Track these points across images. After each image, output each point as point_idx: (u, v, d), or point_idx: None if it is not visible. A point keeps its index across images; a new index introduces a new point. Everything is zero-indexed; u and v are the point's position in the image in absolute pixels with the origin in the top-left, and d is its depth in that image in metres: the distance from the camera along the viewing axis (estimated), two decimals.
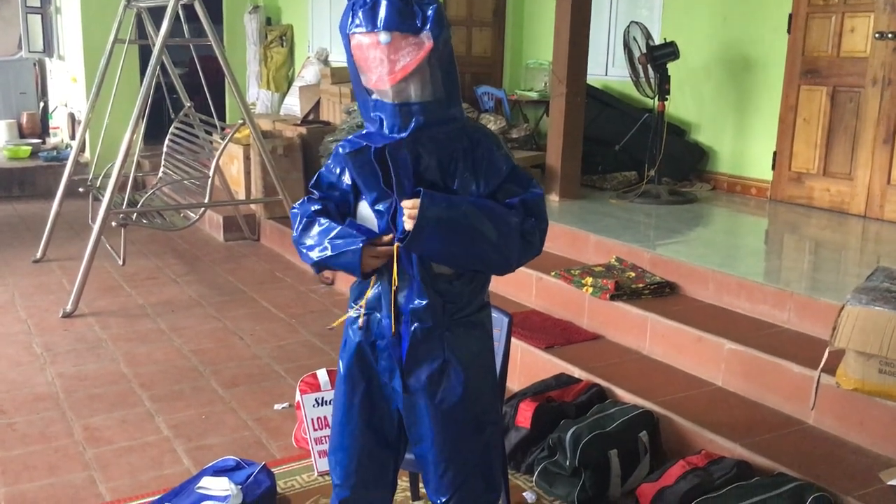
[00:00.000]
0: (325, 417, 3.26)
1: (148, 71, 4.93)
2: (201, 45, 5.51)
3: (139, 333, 4.61)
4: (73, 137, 8.78)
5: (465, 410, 2.03)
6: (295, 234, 2.07)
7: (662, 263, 4.15)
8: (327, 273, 5.52)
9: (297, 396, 3.32)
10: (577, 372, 3.55)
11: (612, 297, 3.90)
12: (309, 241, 2.02)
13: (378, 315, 2.05)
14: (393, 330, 2.00)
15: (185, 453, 3.31)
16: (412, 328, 2.01)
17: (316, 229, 2.01)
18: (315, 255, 2.00)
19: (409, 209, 1.87)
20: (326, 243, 1.98)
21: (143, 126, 7.78)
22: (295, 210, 2.09)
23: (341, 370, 2.14)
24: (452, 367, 2.03)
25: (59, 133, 9.66)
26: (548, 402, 3.23)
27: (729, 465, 2.76)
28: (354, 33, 1.85)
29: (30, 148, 9.05)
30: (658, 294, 3.98)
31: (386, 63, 1.82)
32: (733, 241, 4.66)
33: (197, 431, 3.49)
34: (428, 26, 1.82)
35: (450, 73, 1.91)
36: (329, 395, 3.28)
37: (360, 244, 1.92)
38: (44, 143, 9.63)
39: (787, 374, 3.18)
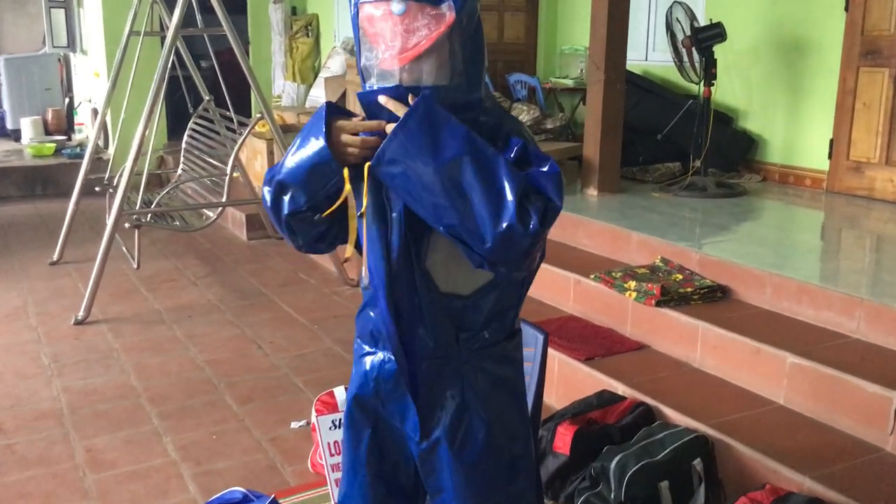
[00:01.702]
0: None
1: (160, 63, 4.66)
2: (223, 37, 5.23)
3: (153, 342, 4.37)
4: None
5: (490, 459, 1.71)
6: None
7: (712, 265, 3.79)
8: (351, 274, 5.23)
9: (313, 417, 3.04)
10: (620, 388, 3.21)
11: (658, 304, 3.55)
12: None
13: (380, 351, 1.74)
14: (398, 365, 1.69)
15: (192, 479, 3.04)
16: (423, 365, 1.69)
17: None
18: (279, 177, 1.62)
19: (392, 103, 1.52)
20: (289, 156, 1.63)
21: (161, 121, 7.59)
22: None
23: (344, 412, 1.84)
24: (473, 412, 1.71)
25: (84, 129, 9.49)
26: (589, 426, 2.91)
27: (800, 503, 2.42)
28: (364, 2, 1.54)
29: (54, 145, 8.89)
30: (708, 299, 3.62)
31: (398, 38, 1.51)
32: (790, 239, 4.27)
33: (206, 454, 3.22)
34: None
35: (474, 53, 1.59)
36: None
37: (324, 109, 1.57)
38: (69, 139, 9.48)
39: (860, 394, 2.81)
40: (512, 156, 1.59)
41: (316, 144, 1.55)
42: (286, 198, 1.63)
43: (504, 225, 1.49)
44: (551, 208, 1.54)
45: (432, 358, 1.68)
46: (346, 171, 1.57)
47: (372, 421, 1.77)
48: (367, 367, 1.75)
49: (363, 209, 1.60)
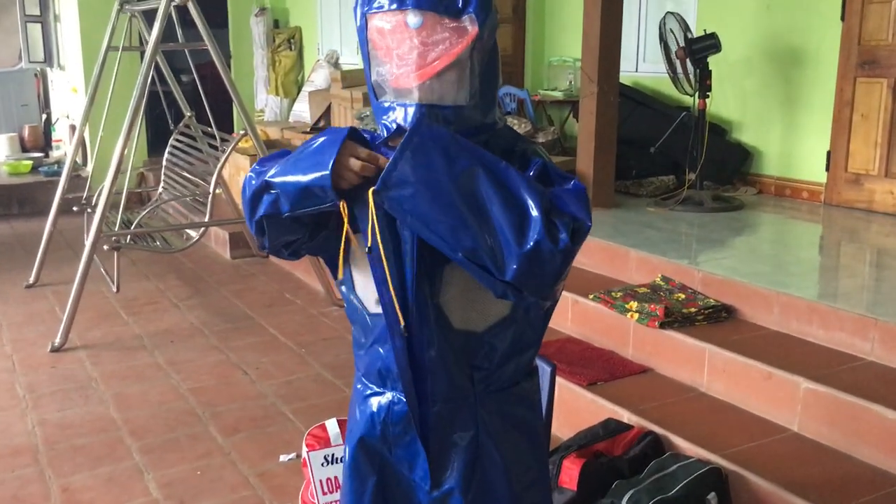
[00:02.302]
0: (335, 478, 2.80)
1: (139, 78, 4.49)
2: (205, 51, 5.06)
3: (134, 370, 4.18)
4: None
5: None
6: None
7: (715, 283, 3.66)
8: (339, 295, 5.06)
9: (304, 451, 2.87)
10: (625, 415, 3.07)
11: (662, 325, 3.42)
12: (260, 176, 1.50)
13: (389, 392, 1.59)
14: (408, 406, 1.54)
15: None
16: (436, 408, 1.55)
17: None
18: (268, 175, 1.47)
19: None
20: (285, 163, 1.48)
21: (141, 137, 7.40)
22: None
23: (346, 458, 1.69)
24: (488, 459, 1.57)
25: (62, 146, 9.28)
26: (596, 458, 2.76)
27: None
28: (374, 13, 1.40)
29: (31, 163, 8.67)
30: (714, 320, 3.49)
31: (415, 53, 1.37)
32: (793, 255, 4.15)
33: (191, 492, 3.04)
34: (472, 7, 1.37)
35: (491, 71, 1.45)
36: (340, 451, 2.83)
37: (345, 134, 1.42)
38: (46, 156, 9.26)
39: (879, 421, 2.68)
40: (532, 175, 1.45)
41: (320, 166, 1.39)
42: (268, 198, 1.47)
43: (531, 243, 1.33)
44: (579, 226, 1.39)
45: (445, 400, 1.53)
46: (343, 206, 1.41)
47: (378, 468, 1.63)
48: (374, 408, 1.60)
49: (369, 244, 1.45)
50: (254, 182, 1.50)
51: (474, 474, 1.57)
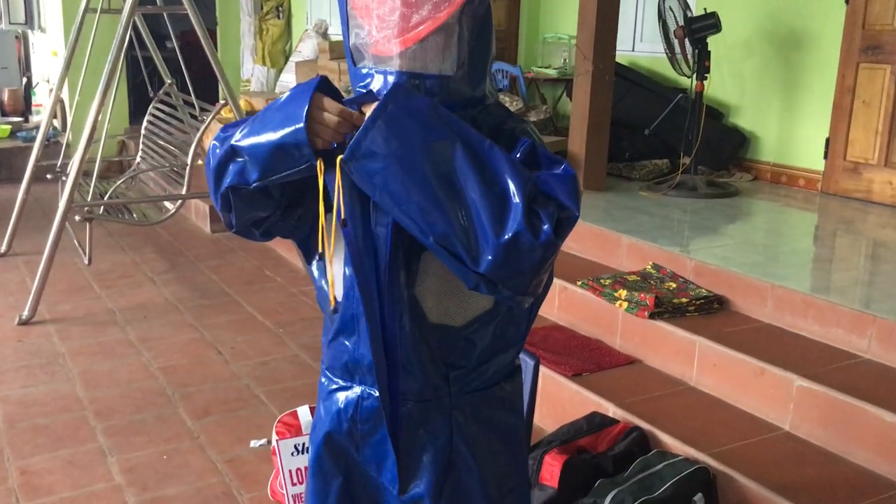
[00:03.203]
0: (306, 469, 2.67)
1: (114, 42, 4.30)
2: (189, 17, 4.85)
3: (103, 346, 4.03)
4: (55, 116, 8.15)
5: None
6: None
7: (708, 273, 3.53)
8: None
9: (274, 439, 2.74)
10: (610, 409, 2.95)
11: (652, 316, 3.29)
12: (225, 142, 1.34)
13: (357, 386, 1.46)
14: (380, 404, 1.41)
15: None
16: (406, 406, 1.42)
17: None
18: (234, 140, 1.30)
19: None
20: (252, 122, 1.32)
21: (122, 104, 7.19)
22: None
23: (310, 456, 1.56)
24: (462, 465, 1.44)
25: (42, 111, 9.03)
26: (579, 454, 2.64)
27: None
28: None
29: (9, 127, 8.43)
30: (705, 311, 3.36)
31: (396, 15, 1.23)
32: (789, 245, 4.02)
33: (155, 477, 2.90)
34: None
35: (482, 39, 1.31)
36: None
37: (315, 83, 1.26)
38: (26, 121, 9.02)
39: (875, 423, 2.57)
40: (518, 157, 1.31)
41: (292, 119, 1.23)
42: (233, 167, 1.30)
43: (509, 233, 1.19)
44: (566, 216, 1.24)
45: (417, 400, 1.41)
46: (319, 164, 1.25)
47: (343, 468, 1.50)
48: (341, 404, 1.47)
49: (343, 217, 1.30)
50: (218, 150, 1.33)
51: (447, 481, 1.45)
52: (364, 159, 1.20)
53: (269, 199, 1.37)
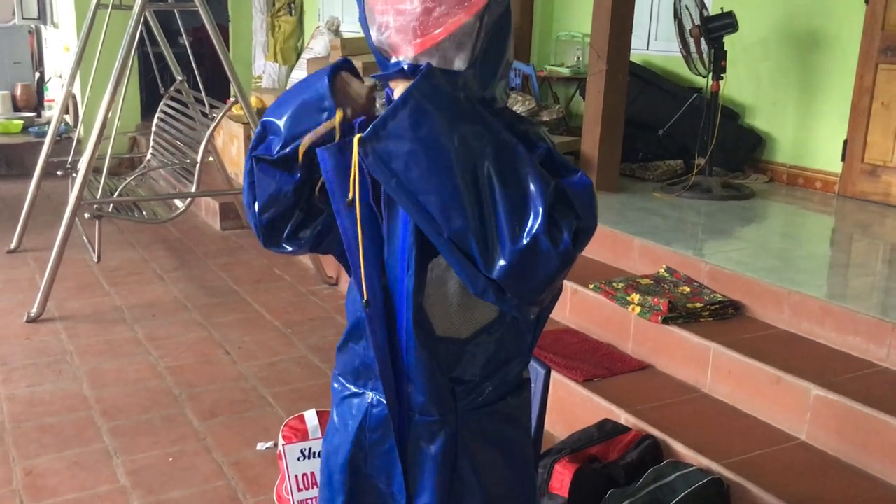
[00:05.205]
0: (312, 474, 2.64)
1: (125, 38, 4.27)
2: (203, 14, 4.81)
3: (111, 344, 4.00)
4: (66, 111, 8.15)
5: None
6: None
7: (723, 277, 3.47)
8: (329, 272, 4.88)
9: (280, 444, 2.70)
10: (622, 416, 2.89)
11: (665, 321, 3.23)
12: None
13: (369, 392, 1.42)
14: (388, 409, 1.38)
15: None
16: (413, 419, 1.38)
17: None
18: (266, 114, 1.33)
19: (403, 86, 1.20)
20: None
21: (134, 100, 7.17)
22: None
23: (322, 464, 1.53)
24: (467, 485, 1.40)
25: (55, 106, 9.03)
26: (590, 463, 2.59)
27: None
28: None
29: (21, 122, 8.44)
30: (720, 316, 3.30)
31: (416, 18, 1.19)
32: (806, 249, 3.94)
33: (160, 480, 2.87)
34: None
35: (497, 38, 1.26)
36: (318, 445, 2.66)
37: (338, 63, 1.30)
38: (38, 116, 9.02)
39: (894, 434, 2.51)
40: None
41: (316, 80, 1.25)
42: (262, 145, 1.32)
43: (528, 238, 1.13)
44: (584, 227, 1.19)
45: (422, 413, 1.36)
46: (339, 113, 1.23)
47: (350, 481, 1.46)
48: (353, 411, 1.43)
49: (351, 196, 1.24)
50: (256, 131, 1.35)
51: (449, 500, 1.41)
52: (387, 140, 1.14)
53: (289, 172, 1.31)
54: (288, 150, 1.27)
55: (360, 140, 1.15)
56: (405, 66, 1.23)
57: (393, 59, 1.26)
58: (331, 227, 1.37)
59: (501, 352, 1.39)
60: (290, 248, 1.41)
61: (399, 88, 1.20)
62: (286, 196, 1.32)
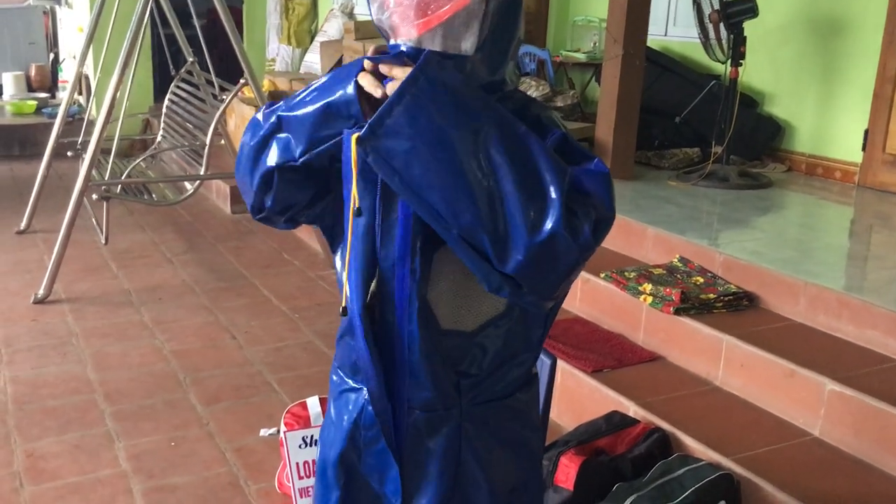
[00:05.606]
0: (313, 462, 2.60)
1: (134, 18, 4.22)
2: None
3: (116, 327, 3.98)
4: (80, 92, 8.13)
5: None
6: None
7: (738, 268, 3.40)
8: None
9: (282, 430, 2.66)
10: (631, 408, 2.83)
11: (677, 311, 3.16)
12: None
13: (364, 388, 1.37)
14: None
15: (143, 496, 2.67)
16: (412, 416, 1.32)
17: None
18: (282, 110, 1.26)
19: (399, 70, 1.14)
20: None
21: (147, 81, 7.13)
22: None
23: (318, 454, 1.49)
24: (472, 482, 1.35)
25: (69, 87, 9.01)
26: (596, 456, 2.53)
27: None
28: None
29: (35, 103, 8.43)
30: (733, 308, 3.23)
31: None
32: (824, 241, 3.86)
33: (161, 465, 2.84)
34: None
35: (506, 19, 1.20)
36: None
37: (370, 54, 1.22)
38: (53, 97, 9.02)
39: None
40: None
41: (343, 81, 1.17)
42: (277, 143, 1.23)
43: (546, 232, 1.08)
44: (603, 217, 1.14)
45: (424, 409, 1.31)
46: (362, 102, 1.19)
47: (345, 478, 1.41)
48: (350, 405, 1.39)
49: (356, 205, 1.20)
50: (260, 125, 1.26)
51: (454, 496, 1.36)
52: (385, 138, 1.10)
53: (311, 182, 1.28)
54: (310, 156, 1.22)
55: (358, 140, 1.11)
56: (404, 49, 1.17)
57: (391, 42, 1.20)
58: (328, 207, 1.34)
59: (509, 346, 1.34)
60: (284, 227, 1.39)
61: (396, 74, 1.14)
62: (301, 200, 1.31)
